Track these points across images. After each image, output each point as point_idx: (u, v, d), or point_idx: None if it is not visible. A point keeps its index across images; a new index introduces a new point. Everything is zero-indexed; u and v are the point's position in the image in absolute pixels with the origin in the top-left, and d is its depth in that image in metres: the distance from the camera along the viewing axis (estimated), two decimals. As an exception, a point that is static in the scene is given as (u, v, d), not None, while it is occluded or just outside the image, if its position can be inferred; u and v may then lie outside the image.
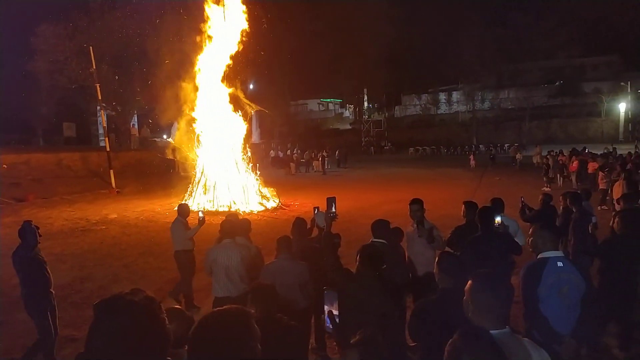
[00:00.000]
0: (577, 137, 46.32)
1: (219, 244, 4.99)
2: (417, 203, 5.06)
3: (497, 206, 5.27)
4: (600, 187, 14.15)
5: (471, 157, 32.40)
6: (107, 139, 22.87)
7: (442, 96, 59.99)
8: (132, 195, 20.12)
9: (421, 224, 4.74)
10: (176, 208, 8.25)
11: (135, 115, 33.75)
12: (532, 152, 30.01)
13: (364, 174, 28.90)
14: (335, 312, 2.15)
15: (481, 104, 54.88)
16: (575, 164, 19.52)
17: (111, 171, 21.33)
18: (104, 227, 13.13)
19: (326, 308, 2.19)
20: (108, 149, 22.05)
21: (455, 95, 58.34)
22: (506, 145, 42.64)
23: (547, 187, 18.42)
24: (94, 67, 22.25)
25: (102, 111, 24.34)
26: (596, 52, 53.24)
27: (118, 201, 18.26)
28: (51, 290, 5.37)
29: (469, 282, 2.19)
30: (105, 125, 24.29)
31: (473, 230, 4.71)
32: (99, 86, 22.21)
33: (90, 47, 22.46)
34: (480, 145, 47.38)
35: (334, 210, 3.73)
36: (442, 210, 10.70)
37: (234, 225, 5.05)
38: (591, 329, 3.38)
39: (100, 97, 22.74)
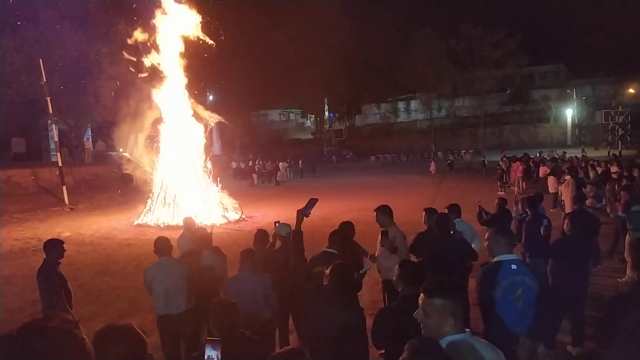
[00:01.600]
0: (528, 142, 48.51)
1: (157, 262, 4.91)
2: (380, 210, 5.15)
3: (454, 212, 5.43)
4: (551, 190, 14.78)
5: (432, 163, 33.25)
6: (59, 154, 21.97)
7: (401, 105, 61.47)
8: (87, 211, 19.39)
9: (385, 234, 4.81)
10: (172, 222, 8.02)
11: (89, 129, 32.60)
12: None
13: (326, 183, 29.06)
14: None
15: (438, 112, 56.65)
16: (520, 169, 20.25)
17: (64, 187, 20.48)
18: (57, 246, 12.55)
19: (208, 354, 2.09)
20: (60, 165, 21.18)
21: (413, 104, 59.92)
22: (462, 151, 44.03)
23: (501, 191, 19.11)
24: (45, 80, 21.41)
25: (53, 125, 23.38)
26: (543, 61, 56.21)
27: (72, 218, 17.54)
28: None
29: (422, 293, 2.22)
30: (57, 139, 23.32)
31: (434, 236, 4.83)
32: (50, 99, 21.36)
33: (40, 60, 21.61)
34: (439, 152, 48.71)
35: (309, 211, 3.80)
36: (404, 217, 10.88)
37: (168, 243, 4.96)
38: (545, 328, 3.52)
39: (51, 111, 21.87)
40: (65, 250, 5.21)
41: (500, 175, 20.88)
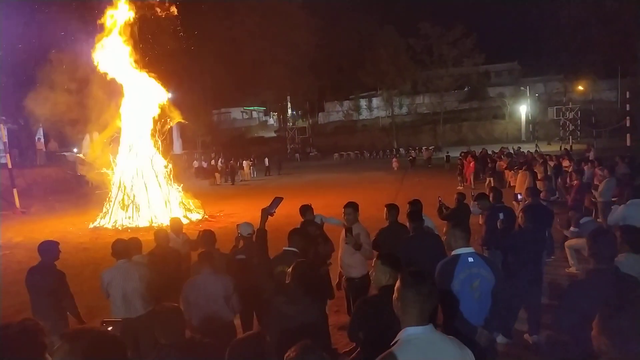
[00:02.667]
0: (485, 138, 50.11)
1: (114, 266, 4.79)
2: (350, 206, 5.19)
3: (416, 207, 5.53)
4: (512, 184, 15.36)
5: (394, 160, 33.76)
6: (8, 155, 20.90)
7: (363, 102, 62.09)
8: (40, 215, 18.54)
9: (349, 231, 4.83)
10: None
11: (41, 129, 31.16)
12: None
13: (290, 181, 28.99)
14: None
15: (399, 109, 57.62)
16: (472, 165, 20.86)
17: (14, 190, 19.50)
18: (7, 251, 11.95)
19: None
20: (10, 166, 20.16)
21: (375, 102, 60.68)
22: (423, 147, 44.99)
23: (461, 186, 19.64)
24: (-10, 77, 20.28)
25: (1, 125, 22.21)
26: (498, 60, 58.14)
27: (23, 222, 16.74)
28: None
29: (397, 281, 2.27)
30: (5, 140, 22.20)
31: (396, 232, 4.89)
32: (-3, 98, 20.28)
33: (-15, 55, 20.46)
34: (401, 149, 49.54)
35: (274, 210, 3.79)
36: (366, 213, 10.94)
37: (127, 245, 4.87)
38: (503, 318, 3.64)
39: (-2, 110, 20.76)
40: (60, 252, 5.07)
41: (460, 171, 21.47)
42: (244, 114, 65.81)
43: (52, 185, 23.42)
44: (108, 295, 4.73)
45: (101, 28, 16.18)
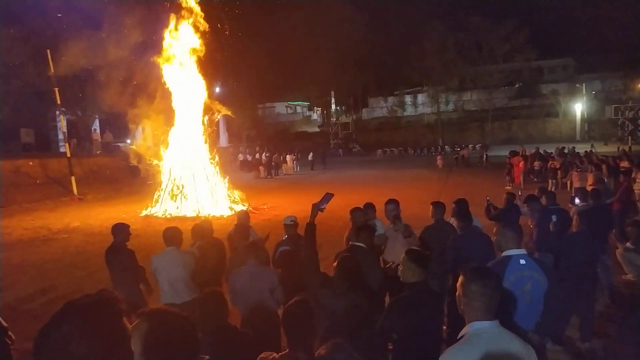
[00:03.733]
0: (536, 137, 48.12)
1: (163, 252, 4.97)
2: (392, 203, 5.16)
3: (461, 206, 5.41)
4: (575, 185, 14.75)
5: (438, 157, 33.01)
6: (67, 144, 22.10)
7: (408, 98, 61.11)
8: (95, 202, 19.53)
9: (398, 218, 4.80)
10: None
11: (97, 120, 32.75)
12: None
13: (333, 176, 29.05)
14: None
15: (445, 105, 56.28)
16: (521, 164, 20.13)
17: (72, 178, 20.62)
18: (66, 235, 12.68)
19: None
20: (69, 155, 21.32)
21: (421, 98, 59.56)
22: (470, 145, 43.75)
23: (509, 186, 19.01)
24: (52, 71, 21.50)
25: (61, 116, 23.51)
26: (552, 55, 55.55)
27: (81, 209, 17.68)
28: None
29: (460, 276, 2.26)
30: (65, 130, 23.46)
31: (442, 230, 4.81)
32: (58, 90, 21.46)
33: (48, 50, 21.69)
34: (446, 146, 48.48)
35: (324, 206, 3.81)
36: (409, 211, 10.83)
37: (175, 234, 5.02)
38: (554, 324, 3.51)
39: (59, 102, 21.98)
40: (130, 234, 5.51)
41: (509, 170, 20.80)
42: (288, 108, 66.43)
43: (106, 174, 24.60)
44: (156, 280, 4.92)
45: (156, 25, 16.76)
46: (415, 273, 2.99)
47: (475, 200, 7.53)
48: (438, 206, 5.32)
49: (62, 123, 23.53)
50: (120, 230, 5.40)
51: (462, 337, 2.20)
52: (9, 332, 2.13)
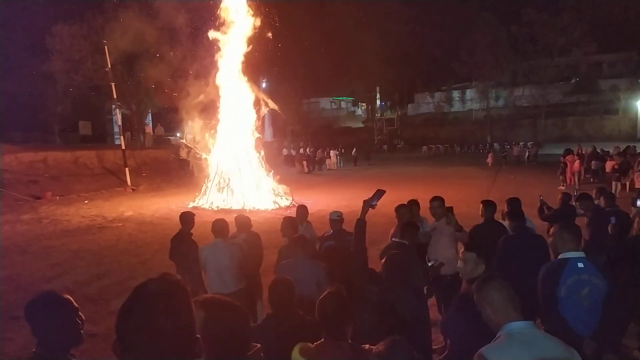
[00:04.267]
0: (593, 135, 45.60)
1: (211, 243, 5.09)
2: (438, 200, 5.07)
3: (514, 206, 5.22)
4: (637, 185, 14.07)
5: (489, 155, 31.81)
6: (122, 137, 23.13)
7: (456, 94, 59.51)
8: (146, 193, 20.34)
9: (450, 211, 4.71)
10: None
11: (150, 114, 34.08)
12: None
13: (376, 172, 28.83)
14: None
15: (495, 101, 54.35)
16: (576, 164, 19.21)
17: (126, 169, 21.57)
18: (120, 224, 13.30)
19: None
20: (123, 147, 22.30)
21: (469, 93, 57.83)
22: (521, 143, 42.10)
23: (562, 186, 18.20)
24: (109, 67, 22.53)
25: (117, 110, 24.63)
26: (613, 49, 52.30)
27: (133, 199, 18.47)
28: None
29: (474, 292, 2.24)
30: (120, 123, 24.58)
31: (492, 229, 4.67)
32: (114, 85, 22.47)
33: (105, 47, 22.74)
34: (495, 144, 46.94)
35: (375, 202, 3.78)
36: (455, 209, 10.60)
37: (225, 225, 5.13)
38: (612, 331, 3.33)
39: (115, 96, 23.02)
40: (195, 222, 5.82)
41: (562, 170, 19.90)
42: (333, 104, 66.41)
43: (157, 167, 25.57)
44: (205, 270, 5.05)
45: (206, 20, 17.20)
46: (477, 266, 2.94)
47: (526, 201, 7.25)
48: (488, 205, 5.17)
49: (117, 116, 24.64)
50: (188, 218, 5.67)
51: (497, 338, 2.18)
52: (80, 313, 2.26)
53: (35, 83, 31.10)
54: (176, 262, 5.53)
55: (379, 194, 3.85)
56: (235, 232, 5.64)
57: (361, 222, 3.58)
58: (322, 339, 2.43)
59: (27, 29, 30.41)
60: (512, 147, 37.17)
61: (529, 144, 40.79)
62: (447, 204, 5.33)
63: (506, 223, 4.85)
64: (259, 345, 1.75)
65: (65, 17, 28.94)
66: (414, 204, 5.64)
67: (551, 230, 3.44)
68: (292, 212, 14.79)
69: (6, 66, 31.28)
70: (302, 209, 6.24)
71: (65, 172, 20.95)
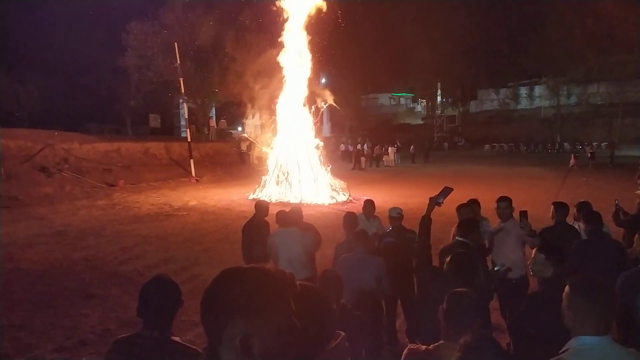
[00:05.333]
0: (677, 136, 41.88)
1: (284, 230, 5.21)
2: (505, 200, 4.89)
3: (590, 208, 4.92)
4: None
5: (572, 156, 29.54)
6: (188, 130, 24.18)
7: (523, 90, 56.65)
8: (209, 184, 21.15)
9: (524, 215, 4.51)
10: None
11: (214, 108, 35.37)
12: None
13: (435, 170, 28.16)
14: None
15: (567, 98, 51.16)
16: None
17: (191, 161, 22.54)
18: (185, 213, 13.94)
19: None
20: (189, 140, 23.31)
21: (538, 90, 54.84)
22: (594, 143, 39.38)
23: (641, 190, 16.86)
24: (178, 62, 23.58)
25: (184, 104, 25.77)
26: None
27: (197, 189, 19.28)
28: None
29: (567, 287, 2.08)
30: (186, 117, 25.71)
31: (563, 233, 4.44)
32: (183, 80, 23.51)
33: (175, 43, 23.83)
34: (565, 143, 44.32)
35: (442, 200, 3.75)
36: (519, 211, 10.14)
37: (299, 215, 5.36)
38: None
39: (183, 91, 24.09)
40: (268, 211, 6.20)
41: (641, 173, 18.41)
42: (392, 100, 65.55)
43: (220, 159, 26.53)
44: (275, 257, 5.17)
45: (269, 17, 17.55)
46: (545, 268, 2.85)
47: (597, 205, 6.82)
48: (560, 207, 4.90)
49: (184, 110, 25.77)
50: (263, 206, 6.13)
51: (565, 351, 2.00)
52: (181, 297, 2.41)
53: (111, 78, 33.28)
54: (251, 248, 5.77)
55: (446, 191, 3.77)
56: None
57: (426, 220, 3.53)
58: (442, 340, 2.39)
59: (105, 26, 32.52)
60: (588, 147, 34.69)
61: (602, 144, 38.14)
62: (513, 206, 5.12)
63: (581, 226, 4.58)
64: (343, 333, 1.74)
65: (139, 14, 30.63)
66: (474, 203, 5.47)
67: (635, 236, 3.22)
68: (349, 208, 14.84)
69: (84, 62, 33.75)
70: (369, 204, 6.06)
71: (136, 161, 22.26)
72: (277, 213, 5.39)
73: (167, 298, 2.28)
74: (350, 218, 5.17)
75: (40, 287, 7.15)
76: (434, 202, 3.63)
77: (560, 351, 2.04)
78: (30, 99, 31.93)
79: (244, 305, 1.04)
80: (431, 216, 3.61)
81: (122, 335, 2.35)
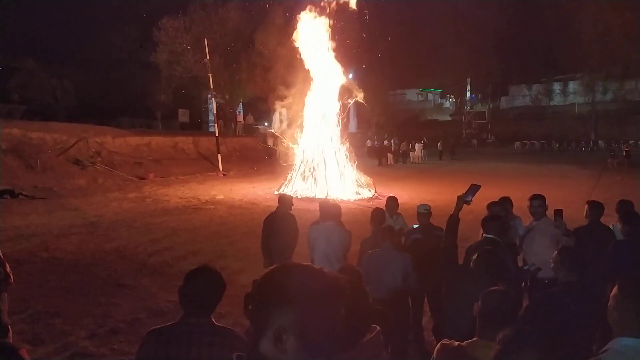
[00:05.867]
0: None
1: (323, 224, 5.23)
2: (539, 198, 4.77)
3: (628, 208, 4.74)
4: None
5: (610, 155, 28.47)
6: (216, 125, 24.50)
7: (557, 86, 54.97)
8: (236, 178, 21.39)
9: (559, 214, 4.38)
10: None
11: (241, 104, 35.72)
12: None
13: (463, 167, 27.69)
14: None
15: (603, 95, 49.38)
16: None
17: (219, 155, 22.85)
18: (212, 206, 14.14)
19: None
20: (217, 135, 23.62)
21: (572, 86, 53.12)
22: (631, 141, 37.90)
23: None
24: (208, 58, 23.89)
25: (212, 99, 26.11)
26: None
27: (224, 183, 19.53)
28: None
29: (616, 287, 2.03)
30: (215, 112, 26.05)
31: (597, 233, 4.30)
32: (211, 76, 23.81)
33: (205, 39, 24.14)
34: (599, 141, 42.86)
35: (470, 198, 3.68)
36: (551, 211, 9.84)
37: (338, 210, 5.37)
38: None
39: (212, 86, 24.40)
40: (293, 203, 6.34)
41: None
42: (420, 95, 64.72)
43: (246, 154, 26.80)
44: (312, 248, 5.23)
45: (298, 15, 17.54)
46: (562, 270, 2.77)
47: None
48: (595, 206, 4.74)
49: (212, 105, 26.12)
50: (287, 200, 6.24)
51: (605, 351, 1.96)
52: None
53: (142, 73, 34.01)
54: (274, 240, 5.88)
55: (474, 189, 3.67)
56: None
57: (454, 219, 3.46)
58: (475, 338, 2.36)
59: (137, 22, 33.22)
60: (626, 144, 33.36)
61: (639, 142, 36.68)
62: (546, 202, 4.98)
63: (618, 226, 4.42)
64: (378, 327, 1.72)
65: (170, 10, 31.15)
66: (506, 201, 5.36)
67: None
68: (375, 204, 14.76)
69: (117, 58, 34.60)
70: (392, 201, 6.01)
71: (166, 155, 22.71)
72: (321, 202, 5.65)
73: (215, 287, 2.38)
74: (377, 214, 5.14)
75: (74, 275, 7.38)
76: (462, 200, 3.55)
77: (600, 351, 2.00)
78: (65, 94, 32.93)
79: (289, 298, 1.04)
80: (459, 216, 3.54)
81: (162, 325, 2.40)
